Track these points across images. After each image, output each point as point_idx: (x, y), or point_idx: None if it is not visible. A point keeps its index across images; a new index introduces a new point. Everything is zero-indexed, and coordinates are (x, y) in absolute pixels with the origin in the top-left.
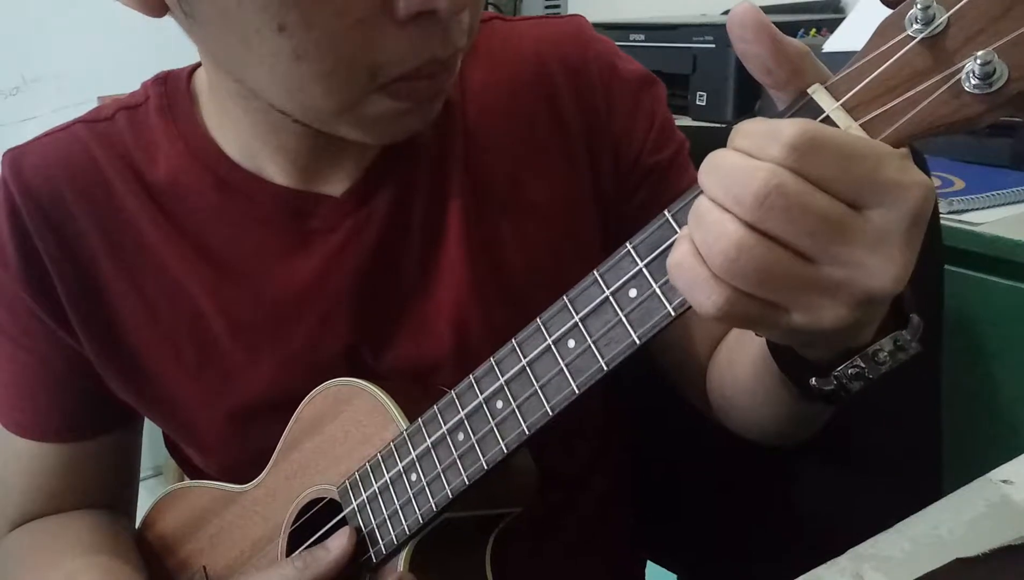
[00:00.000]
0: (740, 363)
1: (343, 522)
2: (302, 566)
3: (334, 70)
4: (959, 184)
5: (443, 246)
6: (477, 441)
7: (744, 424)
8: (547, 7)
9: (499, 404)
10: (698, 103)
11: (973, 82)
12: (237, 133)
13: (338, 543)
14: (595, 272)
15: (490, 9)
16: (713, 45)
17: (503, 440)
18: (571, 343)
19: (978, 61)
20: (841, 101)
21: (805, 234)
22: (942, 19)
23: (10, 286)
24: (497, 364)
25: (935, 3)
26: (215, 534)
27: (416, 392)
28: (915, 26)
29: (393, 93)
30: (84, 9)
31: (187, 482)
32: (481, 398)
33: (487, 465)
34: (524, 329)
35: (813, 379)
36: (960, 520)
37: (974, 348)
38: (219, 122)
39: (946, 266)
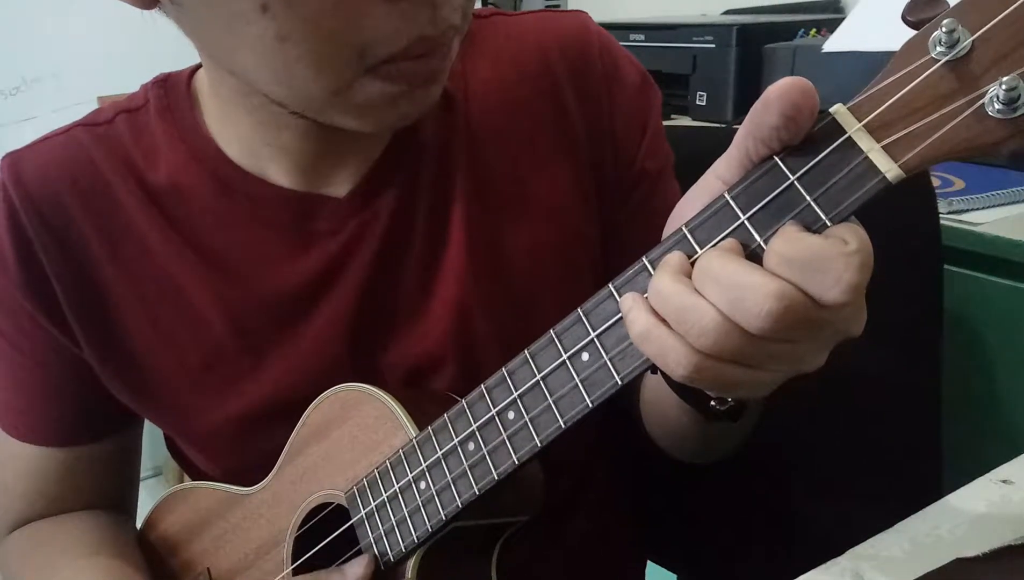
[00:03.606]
0: (647, 389)
1: (351, 529)
2: None
3: (320, 51)
4: (959, 184)
5: (446, 245)
6: (488, 452)
7: (665, 445)
8: (547, 6)
9: (511, 416)
10: (698, 103)
11: (997, 107)
12: (239, 134)
13: (354, 572)
14: (610, 285)
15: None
16: (713, 45)
17: (515, 453)
18: (585, 357)
19: (1003, 86)
20: (863, 122)
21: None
22: (966, 42)
23: (9, 290)
24: (509, 375)
25: (960, 26)
26: (219, 536)
27: (423, 398)
28: (939, 48)
29: (384, 75)
30: (84, 9)
31: (190, 483)
32: (494, 411)
33: (498, 476)
34: (536, 341)
35: (712, 402)
36: (960, 520)
37: (974, 348)
38: (221, 124)
39: (946, 266)
